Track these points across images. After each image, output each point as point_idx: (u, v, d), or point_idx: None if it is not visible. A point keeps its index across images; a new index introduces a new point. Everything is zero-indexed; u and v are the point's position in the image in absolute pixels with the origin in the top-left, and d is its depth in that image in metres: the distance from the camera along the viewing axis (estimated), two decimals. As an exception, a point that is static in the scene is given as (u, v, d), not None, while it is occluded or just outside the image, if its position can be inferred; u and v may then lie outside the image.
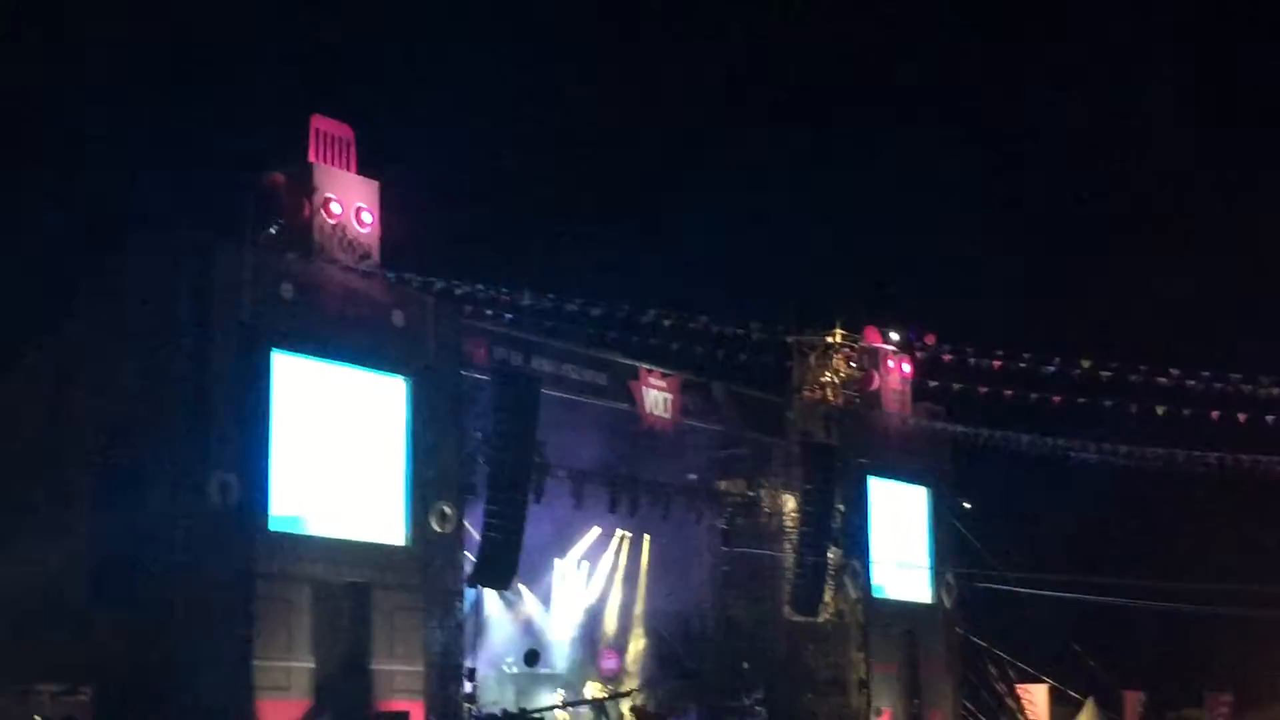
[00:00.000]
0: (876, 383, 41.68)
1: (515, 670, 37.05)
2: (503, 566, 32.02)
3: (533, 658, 35.40)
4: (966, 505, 44.59)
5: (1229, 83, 51.01)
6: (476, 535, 31.99)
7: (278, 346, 28.51)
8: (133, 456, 27.51)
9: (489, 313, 31.74)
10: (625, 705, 36.48)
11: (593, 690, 37.77)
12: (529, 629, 38.61)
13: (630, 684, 38.68)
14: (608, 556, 40.96)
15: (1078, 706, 41.52)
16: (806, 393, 40.84)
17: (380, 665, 29.74)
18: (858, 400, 41.29)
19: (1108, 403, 33.89)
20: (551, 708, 35.44)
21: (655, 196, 50.38)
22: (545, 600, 39.55)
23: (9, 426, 29.16)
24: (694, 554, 41.20)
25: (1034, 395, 34.67)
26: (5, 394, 29.16)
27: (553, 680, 37.85)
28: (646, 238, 44.66)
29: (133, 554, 26.85)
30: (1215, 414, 33.18)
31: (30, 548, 27.37)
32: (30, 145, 33.07)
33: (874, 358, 41.69)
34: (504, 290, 30.79)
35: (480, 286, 30.60)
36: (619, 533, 40.64)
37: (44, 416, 28.92)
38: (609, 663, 39.88)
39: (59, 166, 32.59)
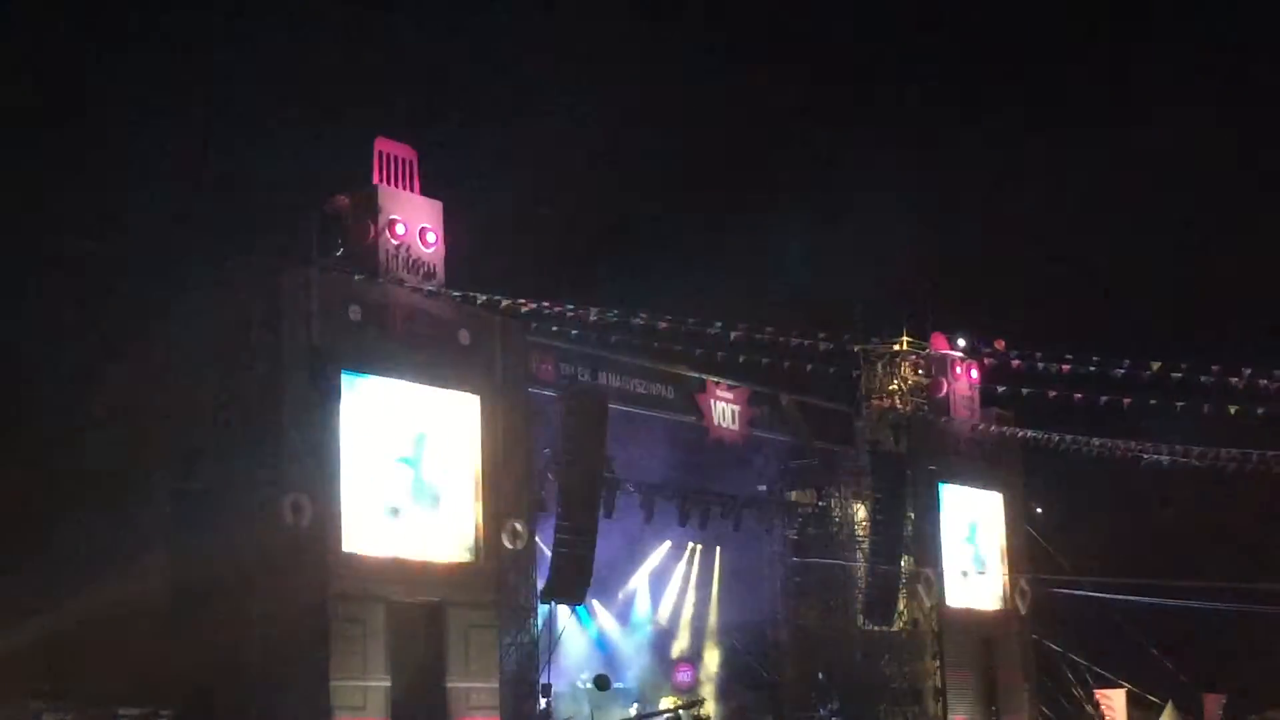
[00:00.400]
0: (945, 389, 41.54)
1: (590, 685, 37.07)
2: (575, 582, 32.12)
3: (603, 682, 35.20)
4: (1039, 510, 44.34)
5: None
6: (548, 551, 32.14)
7: (347, 368, 28.75)
8: (207, 481, 27.86)
9: (555, 329, 31.89)
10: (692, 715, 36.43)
11: (667, 703, 37.73)
12: (603, 643, 38.66)
13: (703, 695, 38.61)
14: (680, 569, 40.99)
15: (1157, 710, 41.14)
16: (875, 401, 40.76)
17: (455, 683, 29.89)
18: (926, 408, 41.15)
19: (1180, 404, 33.56)
20: None
21: (719, 208, 50.29)
22: (619, 615, 39.59)
23: (85, 455, 29.51)
24: (766, 565, 41.13)
25: (1104, 398, 34.41)
26: (81, 423, 29.52)
27: (628, 695, 37.86)
28: (711, 250, 44.61)
29: (209, 577, 27.15)
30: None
31: (110, 572, 27.72)
32: (100, 173, 33.45)
33: (941, 364, 41.56)
34: (569, 306, 30.90)
35: (545, 303, 30.73)
36: (690, 545, 40.66)
37: (119, 444, 29.25)
38: (683, 676, 39.87)
39: (126, 196, 32.93)
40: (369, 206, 29.97)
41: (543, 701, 31.42)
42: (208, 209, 33.64)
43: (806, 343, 32.99)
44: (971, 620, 41.63)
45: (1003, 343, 38.02)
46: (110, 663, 27.40)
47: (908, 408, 40.76)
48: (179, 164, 34.99)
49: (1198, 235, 51.31)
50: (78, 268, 29.90)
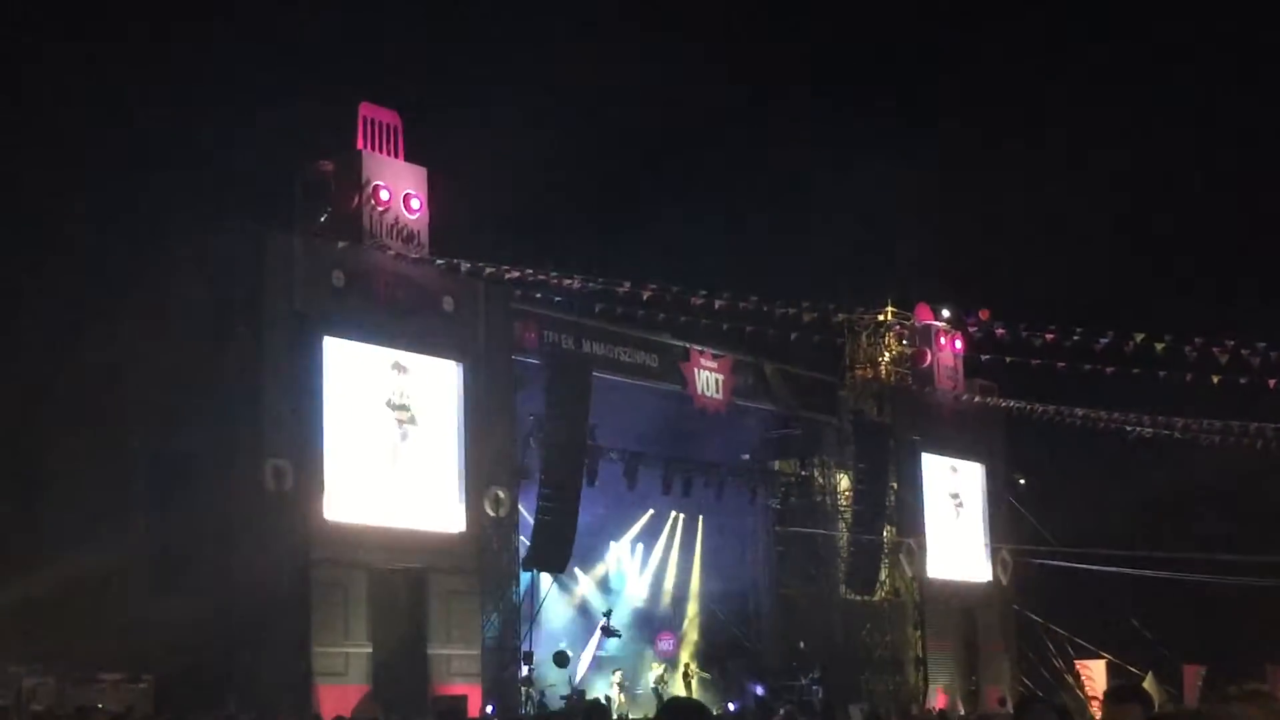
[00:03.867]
0: (929, 359, 41.54)
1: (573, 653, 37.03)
2: (557, 549, 32.09)
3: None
4: (1021, 481, 44.38)
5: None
6: (530, 519, 32.10)
7: (329, 333, 28.69)
8: (189, 446, 27.78)
9: (539, 296, 31.82)
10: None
11: (654, 672, 37.66)
12: (584, 611, 38.62)
13: (690, 662, 38.61)
14: (662, 538, 40.93)
15: (1137, 681, 41.23)
16: (859, 371, 40.69)
17: (437, 650, 29.93)
18: (910, 378, 41.14)
19: (1162, 374, 33.56)
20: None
21: (705, 178, 50.23)
22: (600, 583, 39.54)
23: (68, 421, 29.43)
24: (748, 534, 41.17)
25: (1087, 367, 34.40)
26: (62, 389, 29.43)
27: (611, 662, 37.85)
28: (697, 219, 44.53)
29: (190, 543, 27.12)
30: (1272, 383, 32.82)
31: (91, 539, 27.68)
32: (84, 137, 33.33)
33: (926, 335, 41.55)
34: (554, 273, 30.82)
35: (529, 270, 30.65)
36: (673, 514, 40.60)
37: (101, 410, 29.18)
38: (665, 644, 39.86)
39: (111, 159, 32.82)
40: (353, 172, 29.87)
41: (524, 669, 31.43)
42: (193, 173, 33.53)
43: (791, 312, 32.97)
44: (953, 590, 41.72)
45: (987, 313, 38.01)
46: (91, 627, 27.40)
47: (892, 378, 40.72)
48: (164, 129, 34.87)
49: (1182, 205, 51.29)
50: (63, 233, 29.81)
